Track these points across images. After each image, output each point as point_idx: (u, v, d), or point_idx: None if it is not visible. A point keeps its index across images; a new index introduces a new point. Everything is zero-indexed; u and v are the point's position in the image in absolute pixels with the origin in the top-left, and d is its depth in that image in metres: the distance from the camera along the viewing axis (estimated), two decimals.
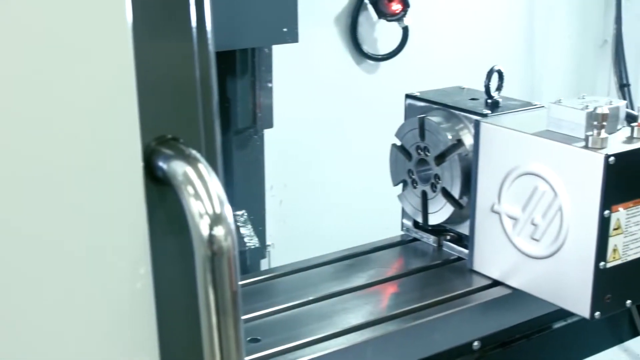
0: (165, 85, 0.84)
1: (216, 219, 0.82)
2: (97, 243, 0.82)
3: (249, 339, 1.42)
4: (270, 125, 2.23)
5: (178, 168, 0.83)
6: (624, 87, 3.36)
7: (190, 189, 0.82)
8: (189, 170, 0.82)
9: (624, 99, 3.43)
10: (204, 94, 0.85)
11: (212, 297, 0.83)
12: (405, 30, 2.87)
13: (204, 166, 0.83)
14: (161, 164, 0.84)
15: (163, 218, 0.85)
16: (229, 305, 0.83)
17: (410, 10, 2.77)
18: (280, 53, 2.21)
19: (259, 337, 1.43)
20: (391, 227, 1.86)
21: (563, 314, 1.61)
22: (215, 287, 0.83)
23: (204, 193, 0.81)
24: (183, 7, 0.82)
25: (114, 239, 0.83)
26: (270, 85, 2.20)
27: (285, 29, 2.03)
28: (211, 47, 0.85)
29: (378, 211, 2.27)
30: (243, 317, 1.51)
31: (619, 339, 1.82)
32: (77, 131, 0.79)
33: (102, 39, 0.78)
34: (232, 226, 0.81)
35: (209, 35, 0.85)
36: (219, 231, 0.82)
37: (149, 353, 0.86)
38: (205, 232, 0.82)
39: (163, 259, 0.85)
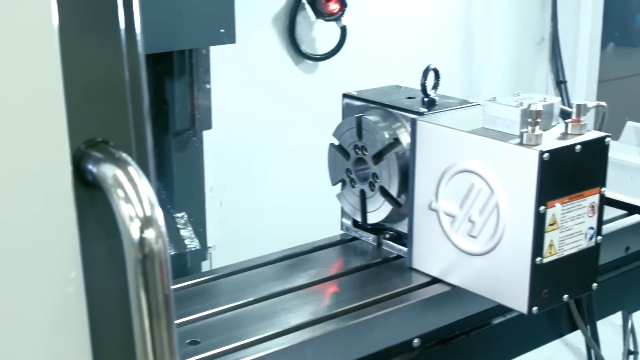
0: (94, 88, 0.83)
1: (147, 222, 0.81)
2: (26, 247, 0.81)
3: (188, 341, 1.41)
4: (209, 126, 2.23)
5: (108, 171, 0.82)
6: (560, 84, 3.41)
7: (120, 192, 0.81)
8: (119, 173, 0.82)
9: (561, 95, 3.48)
10: (134, 96, 0.85)
11: (144, 300, 0.82)
12: (344, 29, 2.88)
13: (134, 169, 0.82)
14: (91, 167, 0.83)
15: (94, 221, 0.84)
16: (161, 308, 0.83)
17: (348, 10, 2.78)
18: (218, 54, 2.21)
19: (198, 340, 1.43)
20: (331, 227, 1.86)
21: (502, 309, 1.62)
22: (147, 290, 0.82)
23: (134, 196, 0.81)
24: (111, 9, 0.81)
25: (43, 243, 0.82)
26: (208, 86, 2.19)
27: (222, 30, 2.03)
28: (140, 49, 0.85)
29: (318, 211, 2.27)
30: (183, 320, 1.52)
31: (558, 334, 1.84)
32: (3, 135, 0.78)
33: (27, 42, 0.77)
34: (163, 229, 0.81)
35: (138, 37, 0.84)
36: (149, 234, 0.81)
37: (81, 357, 0.86)
38: (135, 235, 0.81)
39: (94, 262, 0.84)
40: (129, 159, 0.83)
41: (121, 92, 0.84)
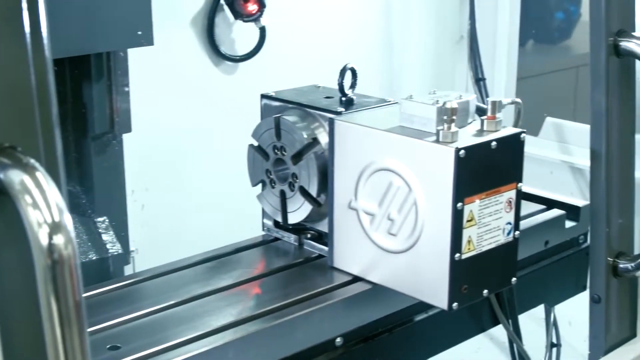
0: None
1: (55, 228, 0.80)
2: None
3: (108, 346, 1.40)
4: (128, 129, 2.21)
5: (15, 177, 0.81)
6: (479, 82, 3.44)
7: (27, 198, 0.80)
8: (27, 179, 0.80)
9: (480, 93, 3.52)
10: (42, 101, 0.84)
11: (55, 307, 0.81)
12: (263, 30, 2.88)
13: (42, 174, 0.81)
14: None
15: (2, 228, 0.83)
16: (72, 315, 0.81)
17: (266, 11, 2.78)
18: (136, 56, 2.19)
19: (119, 345, 1.41)
20: (255, 228, 1.86)
21: (424, 306, 1.64)
22: (57, 296, 0.80)
23: (42, 202, 0.80)
24: (15, 12, 0.80)
25: None
26: (127, 89, 2.18)
27: (139, 32, 2.01)
28: (47, 53, 0.84)
29: (240, 212, 2.27)
30: (103, 325, 1.50)
31: (480, 329, 1.86)
32: None
33: None
34: (73, 234, 0.80)
35: (45, 40, 0.83)
36: (58, 240, 0.80)
37: None
38: (44, 241, 0.80)
39: (3, 269, 0.83)
40: (36, 164, 0.82)
41: (28, 97, 0.83)
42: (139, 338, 1.50)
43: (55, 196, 0.80)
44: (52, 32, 0.88)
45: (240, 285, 1.71)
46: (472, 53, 3.43)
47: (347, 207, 1.67)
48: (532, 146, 1.54)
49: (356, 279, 1.71)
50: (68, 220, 0.80)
